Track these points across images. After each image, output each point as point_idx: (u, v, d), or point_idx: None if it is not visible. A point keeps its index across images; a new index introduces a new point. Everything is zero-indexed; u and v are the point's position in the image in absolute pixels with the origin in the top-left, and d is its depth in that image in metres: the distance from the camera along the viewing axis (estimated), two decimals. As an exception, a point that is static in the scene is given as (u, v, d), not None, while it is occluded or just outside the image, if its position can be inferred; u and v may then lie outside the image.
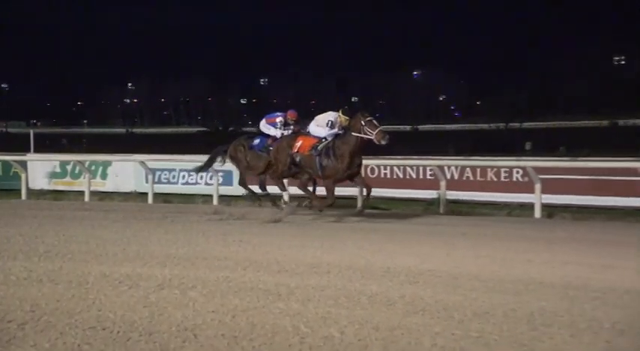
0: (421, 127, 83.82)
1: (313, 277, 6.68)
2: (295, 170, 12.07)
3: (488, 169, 14.17)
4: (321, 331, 4.92)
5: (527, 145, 48.92)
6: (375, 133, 11.06)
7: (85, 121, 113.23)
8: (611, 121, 72.81)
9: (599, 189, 12.50)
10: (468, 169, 14.33)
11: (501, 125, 73.31)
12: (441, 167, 14.16)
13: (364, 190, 11.84)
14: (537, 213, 12.35)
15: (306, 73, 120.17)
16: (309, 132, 11.99)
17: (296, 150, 11.77)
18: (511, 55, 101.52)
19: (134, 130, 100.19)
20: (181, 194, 16.45)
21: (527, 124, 73.09)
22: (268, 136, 12.67)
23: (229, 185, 15.82)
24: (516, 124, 73.05)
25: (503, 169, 14.01)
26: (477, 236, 9.73)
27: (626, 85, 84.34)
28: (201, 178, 16.64)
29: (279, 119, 12.60)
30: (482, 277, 6.69)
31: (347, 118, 11.57)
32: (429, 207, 13.76)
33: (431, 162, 14.72)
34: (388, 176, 15.13)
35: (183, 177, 17.07)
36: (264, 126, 12.83)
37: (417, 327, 5.01)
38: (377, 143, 11.16)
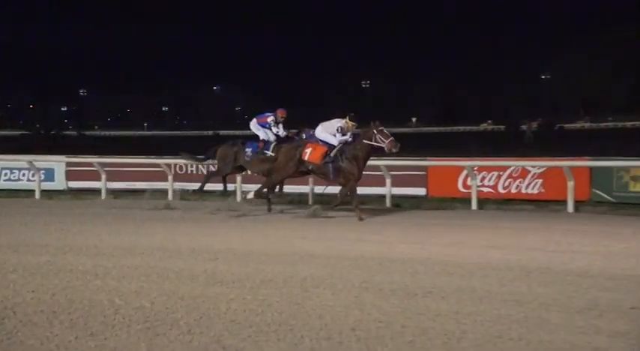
0: (222, 132, 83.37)
1: (128, 258, 6.47)
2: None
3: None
4: (134, 303, 4.81)
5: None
6: (387, 142, 9.84)
7: None
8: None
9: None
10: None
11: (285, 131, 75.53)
12: (236, 165, 14.15)
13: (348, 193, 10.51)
14: (310, 201, 12.78)
15: (122, 84, 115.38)
16: (316, 138, 10.47)
17: (306, 157, 10.26)
18: (292, 75, 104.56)
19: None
20: (4, 190, 15.04)
21: (303, 130, 76.09)
22: (258, 140, 11.22)
23: (51, 181, 14.84)
24: (294, 130, 75.54)
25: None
26: (264, 221, 9.90)
27: (369, 101, 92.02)
28: (24, 175, 15.36)
29: (270, 119, 11.19)
30: (269, 252, 6.87)
31: (354, 124, 10.29)
32: (228, 197, 13.74)
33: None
34: (194, 172, 14.89)
35: (6, 174, 15.63)
36: (254, 126, 11.33)
37: (216, 295, 5.05)
38: (387, 151, 9.99)
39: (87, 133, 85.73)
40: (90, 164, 14.43)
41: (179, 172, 14.48)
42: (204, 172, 14.63)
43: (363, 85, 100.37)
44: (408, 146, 12.72)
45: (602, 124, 60.44)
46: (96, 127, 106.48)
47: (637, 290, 5.02)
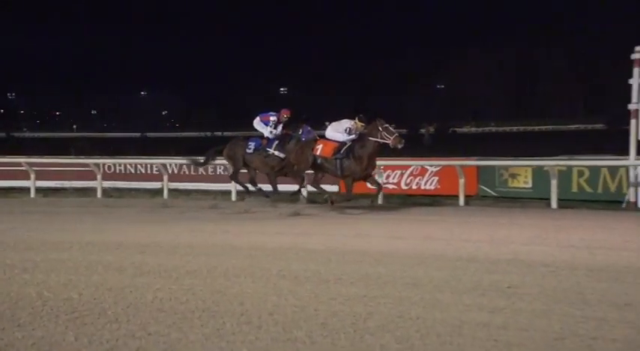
0: (149, 135, 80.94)
1: (56, 253, 6.18)
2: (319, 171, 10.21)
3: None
4: (62, 295, 4.59)
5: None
6: (392, 138, 9.37)
7: None
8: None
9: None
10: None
11: (209, 133, 73.46)
12: (164, 165, 13.84)
13: (377, 187, 10.16)
14: (233, 197, 12.61)
15: (48, 88, 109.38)
16: (313, 134, 10.33)
17: (317, 153, 9.86)
18: (216, 81, 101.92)
19: None
20: None
21: (226, 133, 73.79)
22: (261, 137, 10.70)
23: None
24: (219, 133, 73.40)
25: (210, 167, 13.99)
26: (191, 216, 9.66)
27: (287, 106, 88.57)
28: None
29: (272, 118, 10.61)
30: (194, 245, 6.73)
31: (363, 124, 9.80)
32: (155, 195, 13.39)
33: (155, 161, 14.33)
34: (122, 171, 14.44)
35: None
36: (258, 124, 10.73)
37: (143, 285, 4.90)
38: (392, 147, 9.55)
39: (15, 134, 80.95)
40: (19, 164, 13.70)
41: (107, 171, 14.08)
42: (131, 170, 14.24)
43: (281, 92, 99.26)
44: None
45: (487, 129, 63.40)
46: (24, 129, 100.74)
47: (514, 272, 5.25)
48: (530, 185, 11.17)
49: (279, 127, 10.65)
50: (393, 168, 12.08)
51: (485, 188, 11.47)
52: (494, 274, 5.14)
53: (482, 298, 4.47)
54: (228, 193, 12.62)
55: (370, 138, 9.59)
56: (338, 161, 9.68)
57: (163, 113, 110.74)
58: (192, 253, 6.20)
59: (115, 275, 5.26)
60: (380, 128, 9.52)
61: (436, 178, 11.80)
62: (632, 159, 10.34)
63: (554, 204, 10.38)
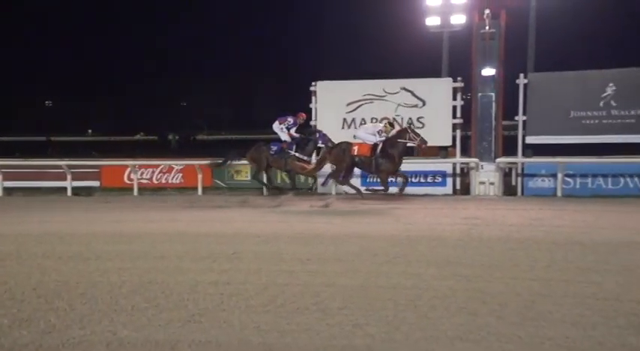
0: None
1: None
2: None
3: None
4: None
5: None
6: (418, 139, 8.69)
7: None
8: (48, 138, 62.52)
9: (35, 177, 11.28)
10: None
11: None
12: None
13: (402, 180, 9.04)
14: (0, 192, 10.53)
15: None
16: (327, 138, 9.31)
17: (355, 152, 8.94)
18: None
19: None
20: None
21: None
22: (281, 141, 9.47)
23: None
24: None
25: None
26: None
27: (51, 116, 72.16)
28: None
29: (290, 119, 9.45)
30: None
31: (391, 127, 8.99)
32: None
33: None
34: None
35: None
36: (277, 127, 9.50)
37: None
38: (417, 146, 8.87)
39: None
40: None
41: None
42: None
43: (47, 104, 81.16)
44: (85, 150, 11.47)
45: (219, 136, 63.96)
46: None
47: (237, 242, 5.29)
48: (249, 178, 11.86)
49: (293, 130, 9.64)
50: (146, 166, 11.60)
51: (218, 181, 11.76)
52: (222, 245, 5.21)
53: (213, 263, 4.54)
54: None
55: (399, 140, 8.92)
56: (375, 160, 8.97)
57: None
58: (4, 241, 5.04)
59: None
60: (409, 131, 9.00)
61: (181, 175, 11.66)
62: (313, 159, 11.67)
63: (265, 192, 11.20)
